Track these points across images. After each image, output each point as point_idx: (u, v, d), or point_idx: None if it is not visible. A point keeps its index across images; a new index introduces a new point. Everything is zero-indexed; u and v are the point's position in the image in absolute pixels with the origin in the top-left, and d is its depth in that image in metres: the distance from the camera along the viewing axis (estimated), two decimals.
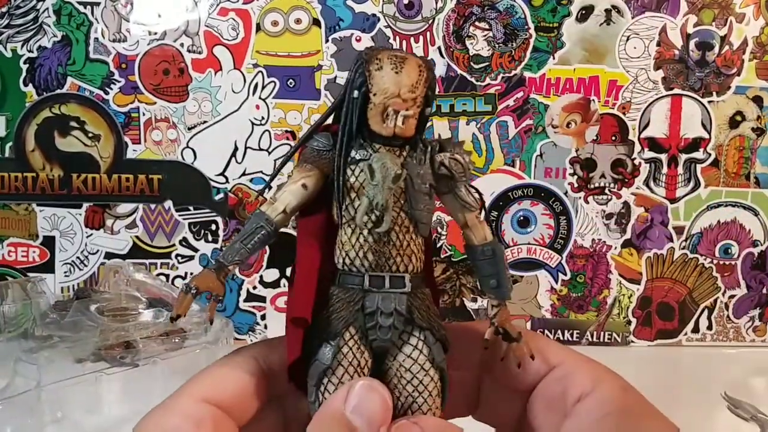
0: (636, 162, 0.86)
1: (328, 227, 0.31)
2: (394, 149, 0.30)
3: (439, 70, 0.83)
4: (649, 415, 0.29)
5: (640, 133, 0.85)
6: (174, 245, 0.84)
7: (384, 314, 0.29)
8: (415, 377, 0.29)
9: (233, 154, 0.83)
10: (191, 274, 0.83)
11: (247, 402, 0.29)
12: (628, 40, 0.84)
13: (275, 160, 0.83)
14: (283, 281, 0.84)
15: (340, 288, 0.30)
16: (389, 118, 0.29)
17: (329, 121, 0.31)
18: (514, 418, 0.32)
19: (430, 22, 0.83)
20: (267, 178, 0.83)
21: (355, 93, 0.29)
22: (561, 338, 0.87)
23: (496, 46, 0.83)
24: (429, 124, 0.87)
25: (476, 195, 0.31)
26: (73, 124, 0.82)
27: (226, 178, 0.83)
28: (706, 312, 0.88)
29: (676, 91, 0.85)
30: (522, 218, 0.86)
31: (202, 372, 0.30)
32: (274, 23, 0.82)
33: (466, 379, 0.33)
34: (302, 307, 0.30)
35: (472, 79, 0.84)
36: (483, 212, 0.32)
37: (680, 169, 0.86)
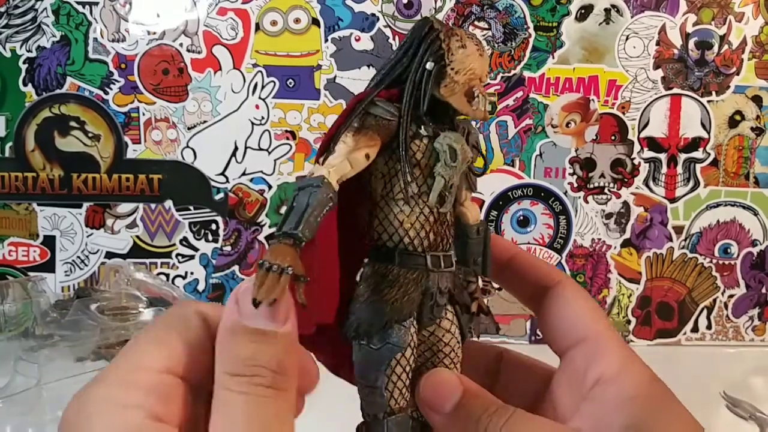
0: (635, 162, 0.86)
1: (351, 203, 0.29)
2: (454, 130, 0.30)
3: None
4: (674, 410, 0.28)
5: (639, 132, 0.85)
6: (174, 245, 0.84)
7: (441, 293, 0.29)
8: (453, 350, 0.30)
9: (233, 154, 0.83)
10: (191, 273, 0.84)
11: (201, 364, 0.24)
12: (627, 39, 0.84)
13: (275, 161, 0.83)
14: None
15: (405, 268, 0.29)
16: (479, 102, 0.28)
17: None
18: (530, 394, 0.32)
19: None
20: (266, 178, 0.84)
21: (429, 65, 0.28)
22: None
23: (496, 45, 0.84)
24: None
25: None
26: (73, 124, 0.82)
27: (226, 177, 0.83)
28: (705, 311, 0.88)
29: (676, 90, 0.85)
30: (522, 218, 0.86)
31: (144, 338, 0.25)
32: (274, 23, 0.82)
33: (488, 350, 0.34)
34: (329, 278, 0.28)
35: None
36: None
37: (680, 169, 0.86)
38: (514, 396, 0.31)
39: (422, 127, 0.29)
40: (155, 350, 0.24)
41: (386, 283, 0.29)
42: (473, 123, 0.34)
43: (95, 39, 0.81)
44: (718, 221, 0.87)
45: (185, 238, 0.84)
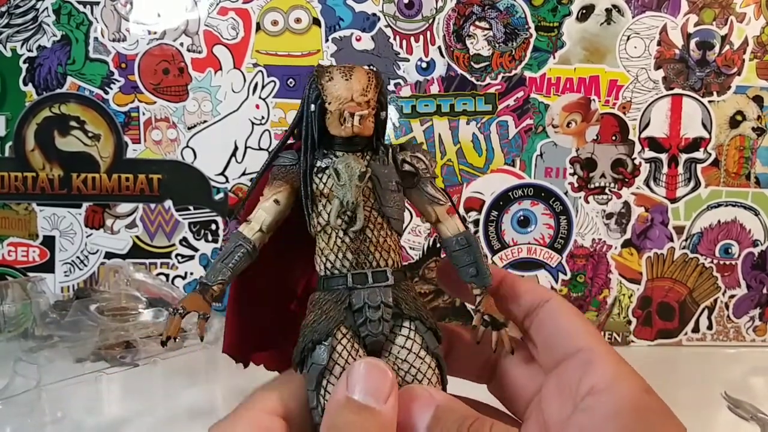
0: (636, 162, 0.85)
1: (296, 241, 0.32)
2: (356, 153, 0.31)
3: (440, 70, 0.83)
4: (668, 423, 0.27)
5: (640, 132, 0.85)
6: (174, 245, 0.84)
7: (371, 308, 0.30)
8: (412, 366, 0.30)
9: (233, 154, 0.83)
10: (191, 273, 0.84)
11: (305, 418, 0.29)
12: (628, 39, 0.84)
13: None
14: None
15: (325, 291, 0.31)
16: (346, 120, 0.30)
17: (292, 141, 0.33)
18: (529, 398, 0.32)
19: (430, 21, 0.83)
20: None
21: (312, 107, 0.31)
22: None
23: (497, 45, 0.83)
24: (429, 123, 0.87)
25: (443, 190, 0.33)
26: (73, 123, 0.82)
27: (226, 177, 0.83)
28: (706, 312, 0.88)
29: (677, 90, 0.85)
30: (522, 218, 0.86)
31: (265, 387, 0.30)
32: (274, 23, 0.82)
33: (484, 349, 0.33)
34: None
35: (473, 79, 0.84)
36: (451, 203, 0.33)
37: (680, 169, 0.86)
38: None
39: (322, 161, 0.31)
40: (268, 395, 0.29)
41: (310, 309, 0.31)
42: (416, 142, 0.36)
43: (96, 38, 0.81)
44: (719, 221, 0.87)
45: (185, 239, 0.84)
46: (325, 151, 0.31)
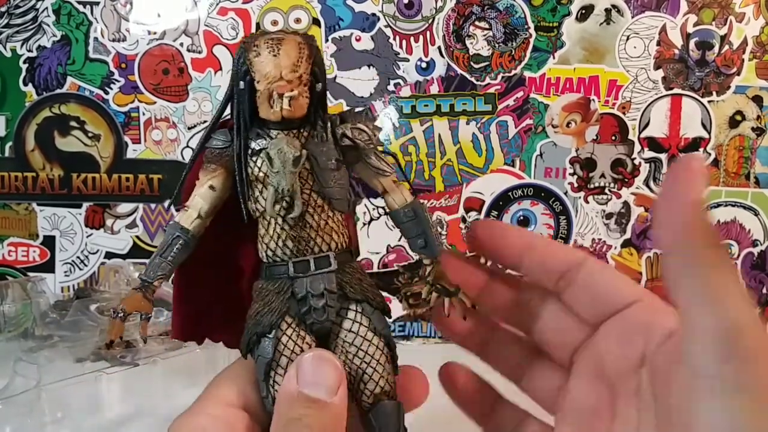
0: (636, 162, 0.85)
1: (239, 219, 0.30)
2: (292, 132, 0.29)
3: (439, 70, 0.83)
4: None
5: (640, 132, 0.85)
6: None
7: (315, 296, 0.29)
8: (360, 349, 0.29)
9: None
10: None
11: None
12: (628, 39, 0.84)
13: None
14: None
15: (268, 280, 0.30)
16: (275, 102, 0.28)
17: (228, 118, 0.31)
18: (571, 348, 0.32)
19: (429, 21, 0.83)
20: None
21: (241, 84, 0.29)
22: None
23: (496, 45, 0.83)
24: (429, 123, 0.87)
25: (389, 161, 0.31)
26: (73, 123, 0.82)
27: None
28: None
29: (676, 90, 0.85)
30: (522, 218, 0.86)
31: (221, 377, 0.30)
32: (274, 23, 0.82)
33: (514, 351, 0.34)
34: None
35: (472, 79, 0.84)
36: (401, 173, 0.32)
37: None
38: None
39: (256, 141, 0.29)
40: (227, 387, 0.29)
41: (254, 299, 0.30)
42: (363, 108, 0.34)
43: (96, 39, 0.81)
44: (718, 221, 0.87)
45: None
46: (259, 130, 0.29)
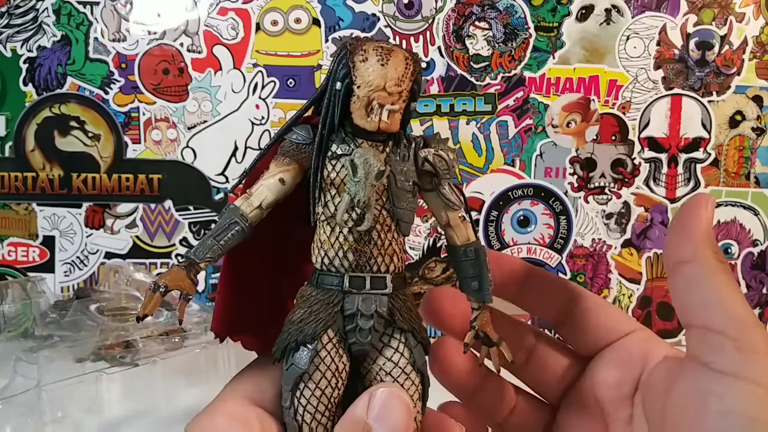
0: (636, 162, 0.85)
1: (295, 224, 0.30)
2: (377, 144, 0.28)
3: (439, 70, 0.83)
4: None
5: (640, 132, 0.85)
6: (174, 245, 0.84)
7: (364, 316, 0.28)
8: (396, 380, 0.28)
9: (233, 154, 0.83)
10: None
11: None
12: (628, 39, 0.84)
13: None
14: None
15: (318, 288, 0.29)
16: (374, 112, 0.27)
17: (309, 114, 0.30)
18: (564, 383, 0.34)
19: (429, 21, 0.83)
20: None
21: (338, 85, 0.28)
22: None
23: (496, 45, 0.83)
24: (429, 123, 0.87)
25: (460, 194, 0.30)
26: (73, 123, 0.82)
27: (226, 177, 0.83)
28: None
29: (676, 90, 0.85)
30: (522, 218, 0.86)
31: (241, 375, 0.30)
32: (274, 23, 0.82)
33: (504, 400, 0.34)
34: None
35: (472, 79, 0.84)
36: (466, 212, 0.31)
37: (680, 169, 0.86)
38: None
39: (339, 146, 0.28)
40: (246, 386, 0.29)
41: (298, 304, 0.29)
42: (442, 135, 0.34)
43: (96, 39, 0.81)
44: (718, 221, 0.87)
45: (185, 239, 0.84)
46: (344, 135, 0.28)
